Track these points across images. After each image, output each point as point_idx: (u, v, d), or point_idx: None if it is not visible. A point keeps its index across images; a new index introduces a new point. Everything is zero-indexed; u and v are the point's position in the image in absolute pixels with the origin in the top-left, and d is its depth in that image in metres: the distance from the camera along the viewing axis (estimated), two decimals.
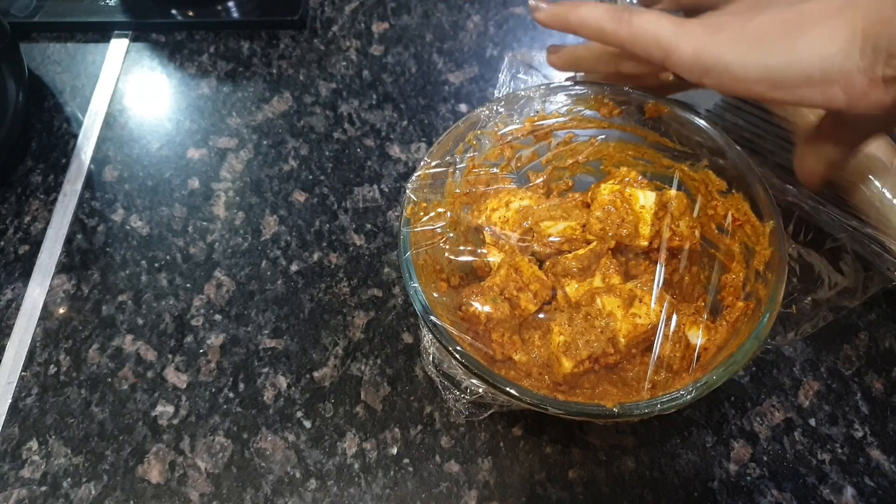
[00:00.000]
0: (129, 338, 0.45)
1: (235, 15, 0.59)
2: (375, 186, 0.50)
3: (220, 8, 0.59)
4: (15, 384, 0.43)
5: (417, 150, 0.52)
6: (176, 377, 0.43)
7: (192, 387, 0.43)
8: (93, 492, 0.40)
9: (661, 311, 0.35)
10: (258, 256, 0.48)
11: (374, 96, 0.55)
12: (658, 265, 0.37)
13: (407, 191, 0.37)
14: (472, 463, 0.40)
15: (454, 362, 0.33)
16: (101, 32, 0.59)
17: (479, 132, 0.40)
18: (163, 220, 0.49)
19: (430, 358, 0.37)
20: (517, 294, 0.37)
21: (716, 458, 0.40)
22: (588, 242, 0.39)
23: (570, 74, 0.41)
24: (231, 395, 0.42)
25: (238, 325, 0.45)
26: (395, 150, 0.52)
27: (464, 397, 0.36)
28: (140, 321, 0.45)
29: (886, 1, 0.26)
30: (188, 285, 0.46)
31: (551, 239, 0.39)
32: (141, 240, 0.48)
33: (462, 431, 0.41)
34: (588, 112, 0.40)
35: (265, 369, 0.43)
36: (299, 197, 0.50)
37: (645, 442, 0.40)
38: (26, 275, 0.47)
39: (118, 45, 0.58)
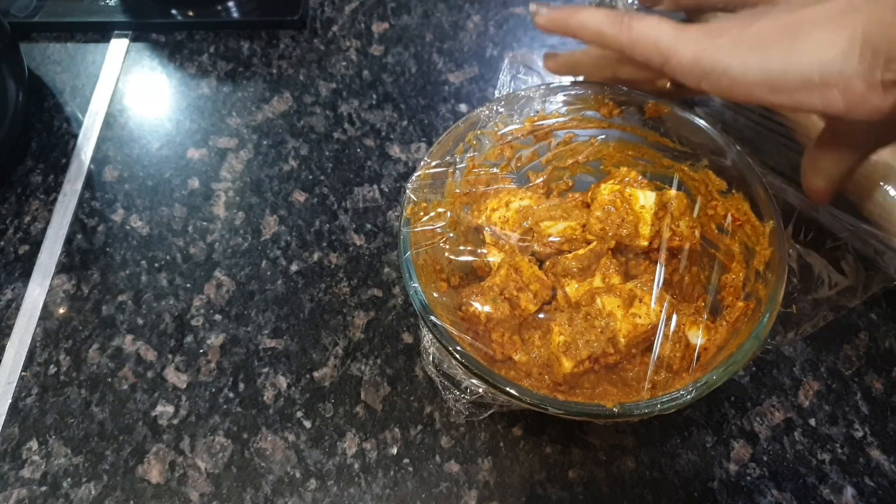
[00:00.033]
0: (129, 338, 0.45)
1: (235, 15, 0.59)
2: (375, 186, 0.50)
3: (220, 8, 0.59)
4: (15, 384, 0.43)
5: (417, 150, 0.52)
6: (176, 377, 0.43)
7: (192, 387, 0.43)
8: (93, 492, 0.40)
9: (661, 311, 0.35)
10: (258, 256, 0.48)
11: (374, 96, 0.55)
12: (658, 265, 0.37)
13: (407, 191, 0.37)
14: (472, 463, 0.40)
15: (454, 362, 0.33)
16: (101, 32, 0.59)
17: (479, 132, 0.40)
18: (163, 220, 0.49)
19: (430, 358, 0.37)
20: (517, 294, 0.37)
21: (716, 458, 0.40)
22: (588, 242, 0.39)
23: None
24: (231, 395, 0.42)
25: (238, 325, 0.45)
26: (395, 150, 0.52)
27: (464, 397, 0.36)
28: (140, 321, 0.45)
29: (887, 6, 0.26)
30: (188, 285, 0.46)
31: (551, 239, 0.39)
32: (141, 240, 0.48)
33: (462, 431, 0.41)
34: (588, 112, 0.40)
35: (265, 369, 0.43)
36: (299, 197, 0.50)
37: (645, 442, 0.40)
38: (26, 275, 0.47)
39: (118, 45, 0.58)
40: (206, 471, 0.40)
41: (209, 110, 0.54)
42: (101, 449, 0.41)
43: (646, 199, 0.38)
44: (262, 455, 0.40)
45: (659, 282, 0.36)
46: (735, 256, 0.37)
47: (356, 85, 0.55)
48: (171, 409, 0.42)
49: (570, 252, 0.39)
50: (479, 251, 0.40)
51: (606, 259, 0.38)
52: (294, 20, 0.58)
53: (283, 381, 0.43)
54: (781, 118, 0.42)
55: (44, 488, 0.40)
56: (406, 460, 0.40)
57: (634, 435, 0.40)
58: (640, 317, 0.35)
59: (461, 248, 0.40)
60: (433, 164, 0.38)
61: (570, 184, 0.43)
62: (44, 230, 0.49)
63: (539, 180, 0.42)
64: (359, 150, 0.52)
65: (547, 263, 0.40)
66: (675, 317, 0.35)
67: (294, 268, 0.47)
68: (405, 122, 0.53)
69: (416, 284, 0.35)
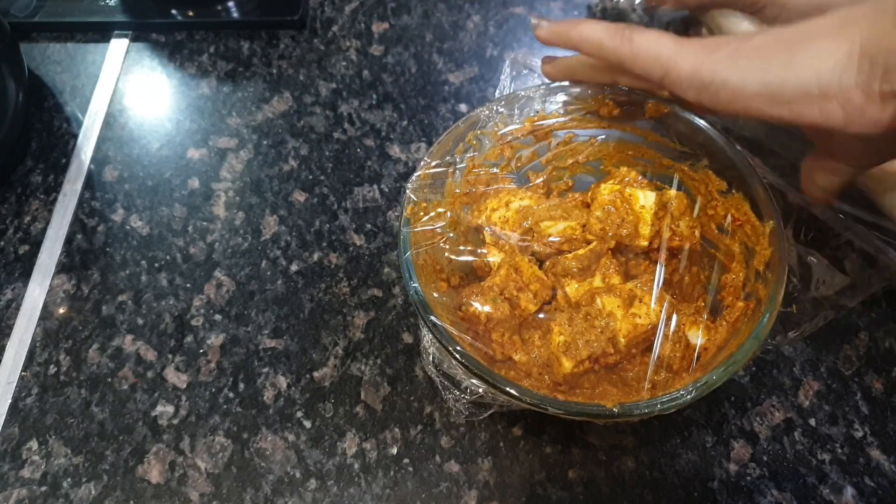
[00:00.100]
0: (129, 338, 0.45)
1: (235, 15, 0.59)
2: (375, 186, 0.50)
3: (220, 8, 0.59)
4: (15, 384, 0.43)
5: (417, 150, 0.52)
6: (176, 377, 0.43)
7: (192, 387, 0.43)
8: (93, 492, 0.40)
9: (661, 311, 0.35)
10: (258, 256, 0.48)
11: (374, 96, 0.55)
12: (658, 265, 0.37)
13: (407, 191, 0.37)
14: (472, 463, 0.40)
15: (454, 362, 0.33)
16: (101, 32, 0.59)
17: (479, 132, 0.40)
18: (163, 220, 0.49)
19: (430, 358, 0.37)
20: (517, 294, 0.37)
21: (716, 458, 0.40)
22: (588, 242, 0.39)
23: None
24: (231, 395, 0.42)
25: (238, 325, 0.45)
26: (395, 150, 0.52)
27: (464, 397, 0.36)
28: (140, 321, 0.45)
29: (885, 17, 0.26)
30: (188, 285, 0.46)
31: (551, 239, 0.39)
32: (141, 240, 0.48)
33: (462, 431, 0.41)
34: (588, 112, 0.40)
35: (265, 369, 0.43)
36: (299, 197, 0.50)
37: (645, 442, 0.40)
38: (26, 275, 0.47)
39: (118, 45, 0.58)
40: (206, 471, 0.40)
41: (209, 110, 0.54)
42: (101, 449, 0.41)
43: (646, 199, 0.38)
44: (262, 455, 0.40)
45: (659, 282, 0.36)
46: (735, 256, 0.37)
47: (356, 85, 0.55)
48: (171, 409, 0.42)
49: (570, 252, 0.39)
50: (479, 251, 0.40)
51: (606, 259, 0.38)
52: (294, 20, 0.58)
53: (283, 381, 0.43)
54: None
55: (44, 488, 0.40)
56: (406, 460, 0.40)
57: (634, 435, 0.40)
58: (640, 317, 0.35)
59: (461, 248, 0.40)
60: (433, 164, 0.38)
61: (570, 184, 0.43)
62: (44, 230, 0.49)
63: (539, 180, 0.42)
64: (359, 150, 0.52)
65: (547, 263, 0.40)
66: (675, 317, 0.35)
67: (294, 268, 0.47)
68: (405, 122, 0.53)
69: (416, 284, 0.35)
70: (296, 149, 0.52)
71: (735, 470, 0.39)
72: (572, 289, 0.38)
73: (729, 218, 0.38)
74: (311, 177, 0.51)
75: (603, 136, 0.41)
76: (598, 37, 0.34)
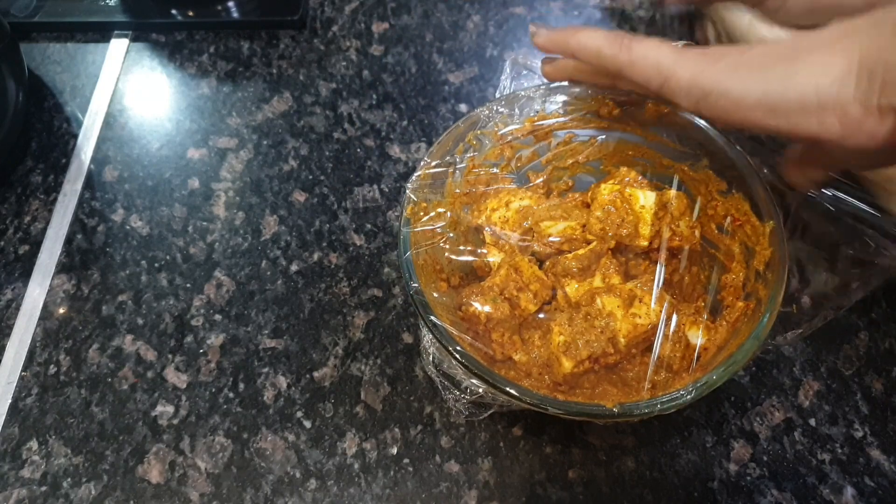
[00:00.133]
0: (129, 338, 0.45)
1: (235, 15, 0.59)
2: (375, 186, 0.50)
3: (220, 8, 0.59)
4: (15, 384, 0.43)
5: (417, 150, 0.52)
6: (176, 377, 0.43)
7: (192, 387, 0.43)
8: (93, 492, 0.40)
9: (661, 311, 0.35)
10: (258, 256, 0.48)
11: (374, 96, 0.55)
12: (658, 265, 0.37)
13: (407, 191, 0.37)
14: (472, 463, 0.40)
15: (454, 362, 0.33)
16: (101, 32, 0.59)
17: (479, 132, 0.40)
18: (163, 220, 0.49)
19: (430, 358, 0.37)
20: (517, 294, 0.37)
21: (716, 458, 0.40)
22: (588, 242, 0.39)
23: None
24: (231, 395, 0.42)
25: (238, 325, 0.45)
26: (395, 150, 0.52)
27: (464, 397, 0.36)
28: (140, 321, 0.45)
29: (884, 31, 0.26)
30: (188, 285, 0.46)
31: (551, 239, 0.39)
32: (141, 240, 0.48)
33: (462, 431, 0.41)
34: (588, 112, 0.40)
35: (265, 369, 0.43)
36: (299, 197, 0.50)
37: (645, 442, 0.40)
38: (26, 275, 0.47)
39: (118, 45, 0.58)
40: (206, 471, 0.40)
41: (209, 110, 0.54)
42: (101, 449, 0.41)
43: (646, 199, 0.38)
44: (262, 455, 0.40)
45: (659, 282, 0.36)
46: (735, 256, 0.37)
47: (356, 85, 0.55)
48: (171, 409, 0.42)
49: (570, 252, 0.39)
50: (479, 251, 0.40)
51: (606, 259, 0.38)
52: (294, 20, 0.58)
53: (283, 381, 0.43)
54: None
55: (44, 488, 0.40)
56: (406, 460, 0.40)
57: (634, 435, 0.40)
58: (640, 317, 0.35)
59: (461, 248, 0.40)
60: (433, 164, 0.38)
61: (570, 184, 0.43)
62: (44, 230, 0.49)
63: (539, 180, 0.42)
64: (359, 150, 0.52)
65: (547, 263, 0.40)
66: (675, 317, 0.35)
67: (294, 268, 0.47)
68: (405, 122, 0.53)
69: (416, 284, 0.35)
70: (296, 149, 0.52)
71: (735, 470, 0.39)
72: (572, 289, 0.38)
73: (729, 218, 0.38)
74: (311, 177, 0.51)
75: (603, 136, 0.41)
76: (597, 44, 0.34)
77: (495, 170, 0.41)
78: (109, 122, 0.54)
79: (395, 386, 0.42)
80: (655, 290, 0.36)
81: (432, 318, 0.33)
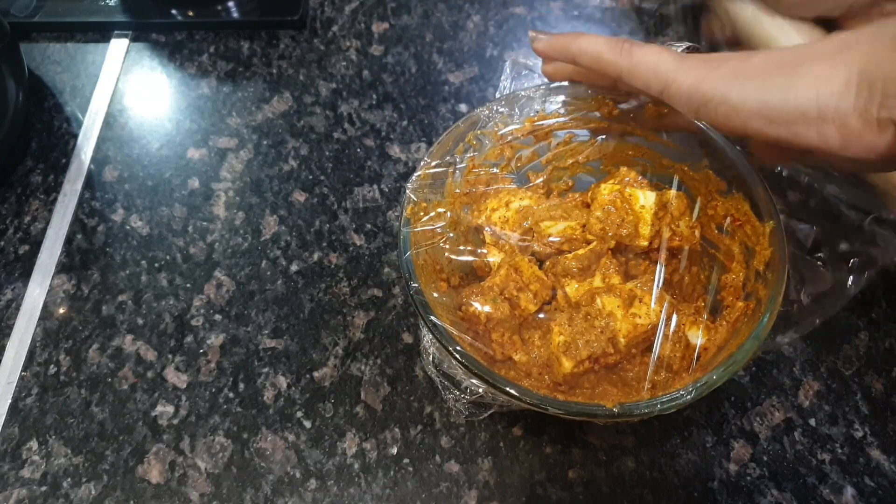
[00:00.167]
0: (129, 338, 0.45)
1: (235, 15, 0.59)
2: (375, 186, 0.50)
3: (220, 8, 0.59)
4: (15, 384, 0.43)
5: (417, 150, 0.52)
6: (176, 377, 0.43)
7: (192, 387, 0.43)
8: (93, 492, 0.40)
9: (661, 311, 0.35)
10: (258, 256, 0.48)
11: (374, 96, 0.55)
12: (658, 265, 0.37)
13: (407, 191, 0.37)
14: (472, 463, 0.40)
15: (454, 362, 0.33)
16: (101, 32, 0.59)
17: (479, 132, 0.40)
18: (163, 220, 0.49)
19: (430, 358, 0.37)
20: (517, 294, 0.37)
21: (716, 458, 0.40)
22: (588, 242, 0.39)
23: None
24: (231, 395, 0.42)
25: (238, 325, 0.45)
26: (395, 150, 0.52)
27: (464, 397, 0.36)
28: (140, 321, 0.45)
29: (883, 44, 0.26)
30: (188, 285, 0.46)
31: (551, 239, 0.39)
32: (141, 240, 0.48)
33: (462, 431, 0.41)
34: (588, 112, 0.40)
35: (265, 369, 0.43)
36: (299, 197, 0.50)
37: (645, 442, 0.40)
38: (26, 275, 0.47)
39: (118, 45, 0.58)
40: (206, 471, 0.40)
41: (209, 110, 0.54)
42: (101, 449, 0.41)
43: (646, 199, 0.38)
44: (262, 455, 0.40)
45: (659, 282, 0.36)
46: (735, 256, 0.37)
47: (356, 85, 0.55)
48: (171, 409, 0.42)
49: (570, 252, 0.39)
50: (479, 251, 0.40)
51: (606, 259, 0.38)
52: (294, 20, 0.58)
53: (283, 381, 0.43)
54: None
55: (44, 488, 0.40)
56: (406, 460, 0.40)
57: (634, 435, 0.40)
58: (640, 317, 0.35)
59: (461, 248, 0.40)
60: (433, 164, 0.38)
61: (570, 184, 0.43)
62: (44, 230, 0.49)
63: (539, 180, 0.42)
64: (359, 150, 0.52)
65: (547, 263, 0.40)
66: (675, 317, 0.35)
67: (294, 268, 0.47)
68: (405, 122, 0.53)
69: (416, 284, 0.35)
70: (296, 149, 0.52)
71: (735, 470, 0.39)
72: (572, 289, 0.38)
73: (729, 218, 0.38)
74: (311, 177, 0.51)
75: (603, 136, 0.41)
76: (597, 50, 0.34)
77: (495, 170, 0.41)
78: (109, 122, 0.54)
79: (395, 386, 0.42)
80: (655, 290, 0.36)
81: (432, 318, 0.33)
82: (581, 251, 0.39)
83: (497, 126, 0.40)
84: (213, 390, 0.43)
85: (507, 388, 0.32)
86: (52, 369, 0.44)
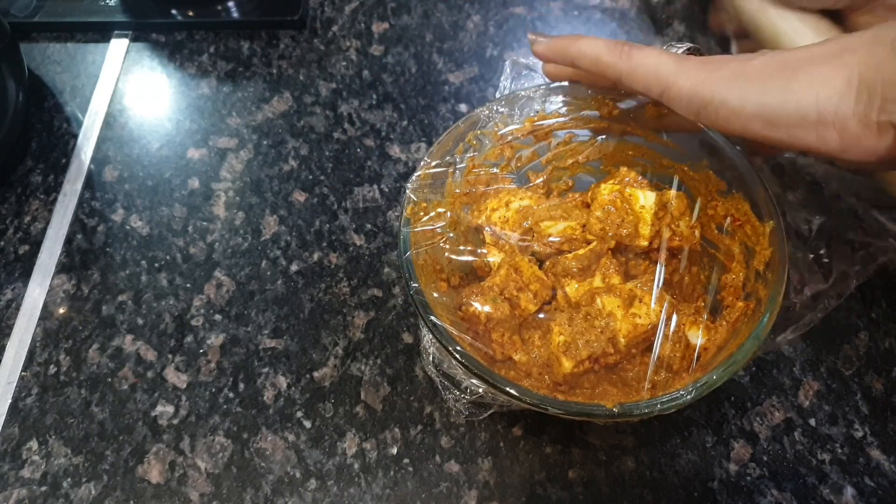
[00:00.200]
0: (129, 338, 0.45)
1: (235, 15, 0.59)
2: (375, 186, 0.50)
3: (220, 8, 0.59)
4: (15, 384, 0.43)
5: (417, 150, 0.52)
6: (176, 377, 0.43)
7: (192, 387, 0.43)
8: (93, 492, 0.40)
9: (661, 311, 0.35)
10: (258, 256, 0.48)
11: (374, 96, 0.55)
12: (658, 265, 0.37)
13: (407, 191, 0.37)
14: (472, 463, 0.40)
15: (454, 362, 0.33)
16: (101, 32, 0.59)
17: (479, 132, 0.40)
18: (163, 220, 0.49)
19: (430, 358, 0.37)
20: (517, 294, 0.37)
21: (716, 458, 0.40)
22: (588, 242, 0.39)
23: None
24: (231, 395, 0.42)
25: (238, 325, 0.45)
26: (395, 150, 0.52)
27: (464, 397, 0.36)
28: (140, 321, 0.45)
29: (883, 47, 0.26)
30: (188, 285, 0.46)
31: (551, 239, 0.39)
32: (141, 240, 0.48)
33: (462, 431, 0.41)
34: (588, 112, 0.40)
35: (265, 369, 0.43)
36: (299, 197, 0.50)
37: (645, 442, 0.40)
38: (26, 275, 0.47)
39: (118, 45, 0.58)
40: (206, 471, 0.40)
41: (209, 110, 0.54)
42: (101, 449, 0.41)
43: (646, 199, 0.38)
44: (262, 455, 0.40)
45: (659, 282, 0.36)
46: (735, 256, 0.37)
47: (356, 85, 0.55)
48: (171, 409, 0.42)
49: (570, 252, 0.39)
50: (479, 251, 0.40)
51: (606, 259, 0.38)
52: (294, 20, 0.58)
53: (283, 381, 0.43)
54: None
55: (44, 488, 0.40)
56: (406, 460, 0.40)
57: (634, 435, 0.40)
58: (640, 317, 0.35)
59: (461, 248, 0.40)
60: (433, 164, 0.38)
61: (570, 184, 0.43)
62: (44, 230, 0.49)
63: (539, 180, 0.42)
64: (359, 150, 0.52)
65: (547, 263, 0.40)
66: (675, 317, 0.35)
67: (294, 268, 0.47)
68: (405, 122, 0.53)
69: (416, 284, 0.35)
70: (296, 149, 0.52)
71: (735, 470, 0.39)
72: (572, 289, 0.38)
73: (729, 218, 0.38)
74: (311, 177, 0.51)
75: (603, 136, 0.41)
76: (597, 52, 0.34)
77: (495, 170, 0.41)
78: (109, 122, 0.54)
79: (395, 386, 0.42)
80: (655, 290, 0.36)
81: (432, 318, 0.33)
82: (581, 251, 0.39)
83: (497, 126, 0.40)
84: (213, 390, 0.43)
85: (507, 388, 0.32)
86: (52, 369, 0.44)
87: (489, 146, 0.40)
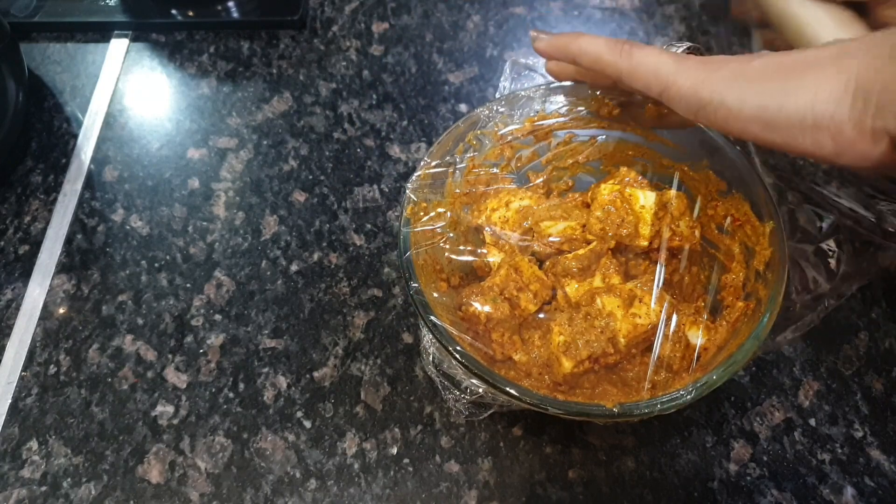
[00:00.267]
0: (129, 338, 0.45)
1: (235, 15, 0.59)
2: (375, 186, 0.50)
3: (220, 8, 0.59)
4: (15, 384, 0.43)
5: (417, 150, 0.52)
6: (176, 377, 0.43)
7: (192, 387, 0.43)
8: (93, 492, 0.40)
9: (661, 311, 0.35)
10: (258, 256, 0.48)
11: (374, 96, 0.55)
12: (658, 265, 0.37)
13: (407, 191, 0.37)
14: (472, 463, 0.40)
15: (454, 362, 0.33)
16: (101, 32, 0.59)
17: (479, 132, 0.40)
18: (163, 220, 0.49)
19: (430, 358, 0.37)
20: (517, 294, 0.37)
21: (716, 458, 0.40)
22: (588, 242, 0.39)
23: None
24: (231, 395, 0.42)
25: (238, 325, 0.45)
26: (395, 150, 0.52)
27: (464, 397, 0.36)
28: (140, 321, 0.45)
29: (880, 54, 0.26)
30: (188, 285, 0.46)
31: (551, 239, 0.39)
32: (141, 240, 0.48)
33: (462, 431, 0.41)
34: (588, 112, 0.40)
35: (265, 369, 0.43)
36: (299, 197, 0.50)
37: (645, 442, 0.40)
38: (26, 275, 0.47)
39: (118, 45, 0.58)
40: (206, 471, 0.40)
41: (209, 110, 0.54)
42: (101, 449, 0.41)
43: (646, 199, 0.38)
44: (262, 455, 0.40)
45: (659, 282, 0.36)
46: (735, 256, 0.37)
47: (356, 85, 0.55)
48: (171, 409, 0.42)
49: (570, 252, 0.39)
50: (479, 251, 0.40)
51: (606, 259, 0.38)
52: (294, 20, 0.58)
53: (283, 381, 0.43)
54: None
55: (44, 488, 0.40)
56: (406, 460, 0.40)
57: (634, 435, 0.40)
58: (640, 317, 0.35)
59: (461, 248, 0.40)
60: (433, 164, 0.38)
61: (570, 184, 0.43)
62: (44, 230, 0.49)
63: (539, 180, 0.42)
64: (359, 150, 0.52)
65: (547, 263, 0.40)
66: (675, 317, 0.35)
67: (294, 268, 0.47)
68: (405, 122, 0.53)
69: (416, 284, 0.35)
70: (296, 149, 0.52)
71: (735, 470, 0.39)
72: (572, 289, 0.38)
73: (729, 218, 0.38)
74: (311, 177, 0.51)
75: (603, 136, 0.41)
76: (597, 50, 0.34)
77: (495, 170, 0.41)
78: (109, 122, 0.54)
79: (395, 386, 0.42)
80: (655, 290, 0.36)
81: (432, 318, 0.33)
82: (581, 251, 0.39)
83: (497, 126, 0.40)
84: (213, 390, 0.43)
85: (507, 388, 0.32)
86: (52, 369, 0.44)
87: (489, 146, 0.40)
